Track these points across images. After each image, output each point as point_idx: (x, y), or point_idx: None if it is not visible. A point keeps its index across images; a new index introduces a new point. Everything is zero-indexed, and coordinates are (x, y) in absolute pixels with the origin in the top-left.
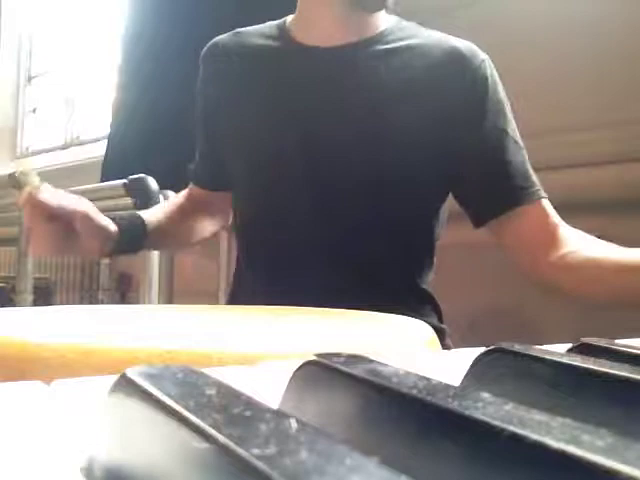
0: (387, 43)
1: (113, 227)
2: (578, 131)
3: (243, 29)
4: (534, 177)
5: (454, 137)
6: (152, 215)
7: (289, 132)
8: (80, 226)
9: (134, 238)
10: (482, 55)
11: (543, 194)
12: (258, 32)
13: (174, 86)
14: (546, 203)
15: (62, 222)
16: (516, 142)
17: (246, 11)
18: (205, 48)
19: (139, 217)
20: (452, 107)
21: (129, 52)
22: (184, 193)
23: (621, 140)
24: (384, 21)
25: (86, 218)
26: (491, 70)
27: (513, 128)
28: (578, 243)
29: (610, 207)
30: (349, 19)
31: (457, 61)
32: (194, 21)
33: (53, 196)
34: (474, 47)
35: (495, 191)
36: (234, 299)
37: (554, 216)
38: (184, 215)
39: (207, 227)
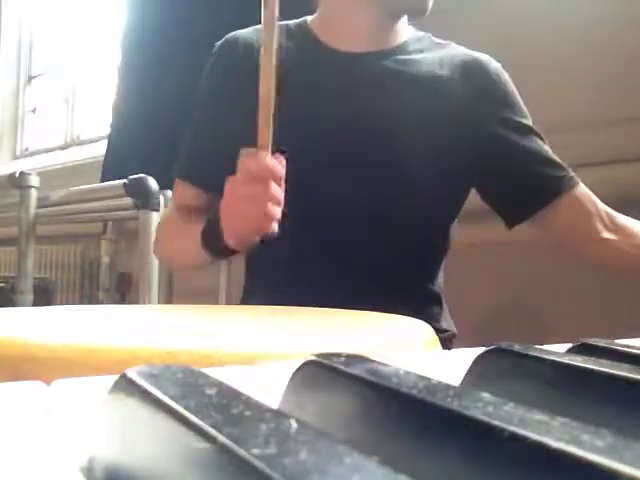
0: (410, 53)
1: None
2: (577, 131)
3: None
4: (564, 164)
5: (480, 141)
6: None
7: (310, 133)
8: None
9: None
10: (496, 63)
11: (577, 179)
12: (280, 30)
13: (174, 86)
14: (583, 186)
15: None
16: (540, 136)
17: (246, 13)
18: (222, 41)
19: None
20: (477, 114)
21: (129, 52)
22: (174, 208)
23: (621, 140)
24: (405, 32)
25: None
26: (506, 75)
27: (532, 124)
28: (624, 221)
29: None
30: (381, 27)
31: (476, 69)
32: (194, 22)
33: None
34: (488, 57)
35: (536, 184)
36: (245, 300)
37: (593, 197)
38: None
39: None
